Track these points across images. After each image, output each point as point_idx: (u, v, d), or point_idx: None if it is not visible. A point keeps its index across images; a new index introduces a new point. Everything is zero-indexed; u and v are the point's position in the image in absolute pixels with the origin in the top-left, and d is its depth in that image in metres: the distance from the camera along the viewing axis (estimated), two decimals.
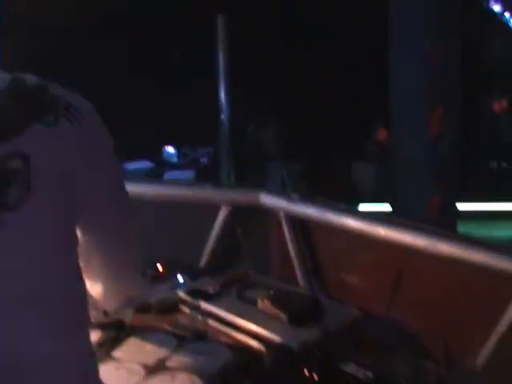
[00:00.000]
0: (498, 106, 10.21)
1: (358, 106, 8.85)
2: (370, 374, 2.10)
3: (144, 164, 9.73)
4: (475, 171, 9.72)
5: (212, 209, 3.27)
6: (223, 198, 3.28)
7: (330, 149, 8.68)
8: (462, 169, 7.15)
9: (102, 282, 1.75)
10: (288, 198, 3.04)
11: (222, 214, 3.24)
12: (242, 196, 3.26)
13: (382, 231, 2.62)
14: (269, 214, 3.15)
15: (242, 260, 3.19)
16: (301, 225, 3.05)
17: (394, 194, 6.97)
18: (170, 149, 10.46)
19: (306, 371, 2.10)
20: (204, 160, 10.19)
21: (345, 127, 8.61)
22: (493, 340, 2.33)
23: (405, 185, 6.78)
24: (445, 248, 2.42)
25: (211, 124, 8.10)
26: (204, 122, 8.32)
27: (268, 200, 3.10)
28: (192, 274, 3.10)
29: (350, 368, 2.14)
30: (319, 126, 8.90)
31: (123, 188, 1.68)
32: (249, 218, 3.22)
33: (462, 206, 7.43)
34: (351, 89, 8.90)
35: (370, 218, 2.72)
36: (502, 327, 2.31)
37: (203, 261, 3.29)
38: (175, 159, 10.39)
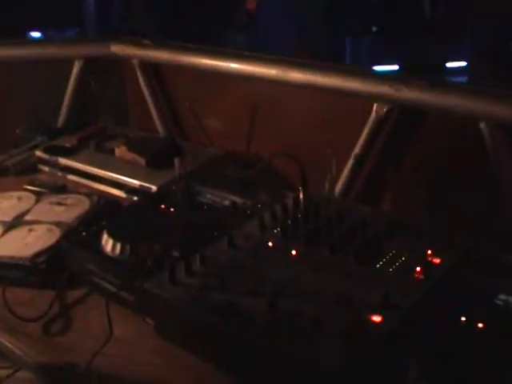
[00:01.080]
0: None
1: None
2: (227, 203, 2.11)
3: None
4: None
5: (65, 64, 3.13)
6: (74, 52, 3.14)
7: (200, 21, 8.41)
8: None
9: None
10: (140, 44, 2.93)
11: (76, 69, 3.12)
12: (93, 48, 3.13)
13: (234, 66, 2.58)
14: (122, 63, 3.05)
15: (100, 114, 3.10)
16: (155, 71, 2.98)
17: None
18: (36, 34, 9.90)
19: (162, 206, 2.07)
20: None
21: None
22: (350, 165, 2.38)
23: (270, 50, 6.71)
24: (296, 75, 2.41)
25: (75, 4, 7.78)
26: (68, 1, 7.94)
27: (120, 49, 2.99)
28: (51, 133, 3.00)
29: (207, 199, 2.14)
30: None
31: None
32: (103, 71, 3.12)
33: None
34: None
35: (221, 54, 2.67)
36: (358, 149, 2.35)
37: (61, 119, 3.18)
38: None
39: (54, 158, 2.74)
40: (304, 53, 6.92)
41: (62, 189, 2.52)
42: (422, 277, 1.67)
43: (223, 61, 2.64)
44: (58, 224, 2.15)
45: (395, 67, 6.69)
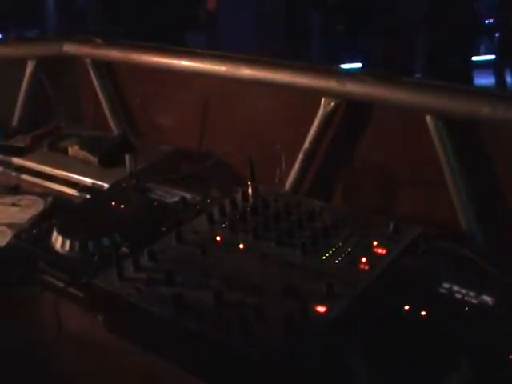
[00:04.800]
0: None
1: None
2: (176, 199, 2.12)
3: None
4: None
5: (18, 64, 3.12)
6: (27, 52, 3.13)
7: (161, 21, 8.36)
8: None
9: None
10: (92, 43, 2.93)
11: (29, 69, 3.10)
12: (46, 48, 3.12)
13: (185, 63, 2.59)
14: (75, 62, 3.04)
15: (54, 114, 3.10)
16: (109, 69, 2.98)
17: None
18: None
19: (113, 203, 2.08)
20: None
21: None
22: (299, 159, 2.40)
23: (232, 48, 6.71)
24: (247, 72, 2.43)
25: (36, 4, 7.73)
26: (28, 2, 7.88)
27: (72, 48, 2.99)
28: (5, 133, 2.98)
29: (157, 195, 2.15)
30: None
31: None
32: (56, 70, 3.11)
33: None
34: None
35: (173, 52, 2.68)
36: (307, 144, 2.38)
37: (15, 119, 3.16)
38: None
39: (7, 158, 2.72)
40: (267, 52, 6.95)
41: (16, 189, 2.51)
42: (367, 267, 1.70)
43: (174, 58, 2.65)
44: (10, 226, 2.14)
45: (358, 65, 6.76)
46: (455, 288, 1.66)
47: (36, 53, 3.10)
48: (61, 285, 1.77)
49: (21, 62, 3.12)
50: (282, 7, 7.29)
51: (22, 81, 3.12)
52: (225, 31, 7.20)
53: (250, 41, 6.95)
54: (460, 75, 5.66)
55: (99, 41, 2.94)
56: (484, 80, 6.66)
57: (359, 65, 6.73)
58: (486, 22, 6.87)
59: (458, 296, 1.63)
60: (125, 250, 1.78)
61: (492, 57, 6.89)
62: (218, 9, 7.84)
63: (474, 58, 6.32)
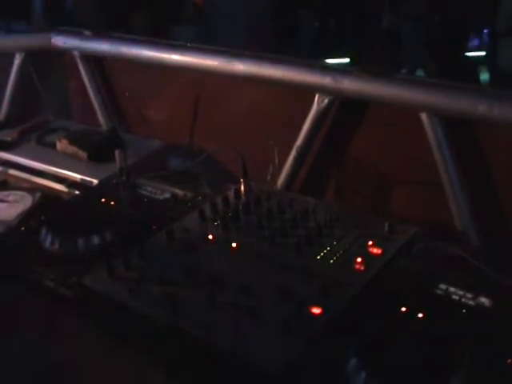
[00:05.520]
0: None
1: None
2: (167, 195, 2.08)
3: None
4: None
5: (5, 57, 3.07)
6: (15, 45, 3.07)
7: (148, 15, 8.28)
8: None
9: None
10: (81, 35, 2.88)
11: (17, 62, 3.05)
12: (34, 40, 3.07)
13: (176, 57, 2.55)
14: (64, 55, 2.99)
15: (42, 108, 3.05)
16: (97, 63, 2.93)
17: None
18: None
19: (103, 200, 2.04)
20: None
21: None
22: (292, 156, 2.37)
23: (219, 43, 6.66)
24: (238, 66, 2.39)
25: None
26: None
27: (60, 41, 2.94)
28: None
29: (147, 191, 2.12)
30: None
31: None
32: (44, 63, 3.06)
33: None
34: None
35: (164, 45, 2.64)
36: (300, 141, 2.34)
37: (2, 113, 3.11)
38: None
39: None
40: (253, 46, 6.91)
41: (3, 184, 2.46)
42: (362, 268, 1.67)
43: (165, 52, 2.60)
44: None
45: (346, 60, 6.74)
46: (452, 289, 1.63)
47: (24, 45, 3.05)
48: (50, 284, 1.73)
49: (8, 55, 3.05)
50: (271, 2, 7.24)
51: (9, 74, 3.05)
52: (211, 25, 7.15)
53: (237, 35, 6.90)
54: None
55: (88, 33, 2.89)
56: None
57: (346, 60, 6.71)
58: None
59: (455, 297, 1.61)
60: (115, 248, 1.74)
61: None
62: (204, 3, 7.79)
63: None
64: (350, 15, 6.88)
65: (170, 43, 2.65)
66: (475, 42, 7.17)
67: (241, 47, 6.66)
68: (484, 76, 6.33)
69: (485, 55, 6.67)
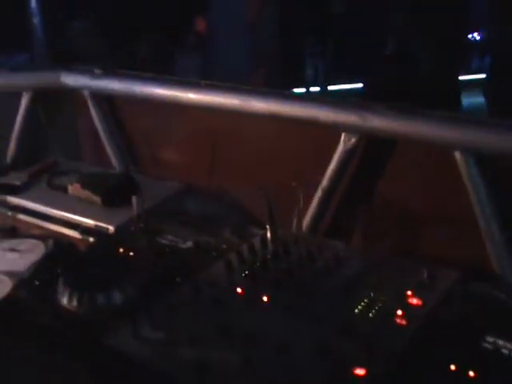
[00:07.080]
0: None
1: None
2: (189, 244, 1.98)
3: None
4: None
5: (13, 96, 2.97)
6: (23, 83, 2.98)
7: (151, 43, 8.27)
8: None
9: None
10: (91, 74, 2.78)
11: (24, 101, 2.96)
12: (42, 78, 2.97)
13: (192, 96, 2.45)
14: (73, 94, 2.90)
15: (51, 149, 2.95)
16: (108, 102, 2.83)
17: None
18: None
19: (121, 250, 1.94)
20: None
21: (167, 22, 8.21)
22: (317, 197, 2.26)
23: (225, 73, 6.62)
24: (258, 105, 2.29)
25: (24, 30, 7.67)
26: (16, 28, 7.80)
27: (70, 79, 2.84)
28: None
29: (168, 239, 2.01)
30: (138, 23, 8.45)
31: None
32: (53, 102, 2.97)
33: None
34: None
35: (178, 84, 2.54)
36: (325, 181, 2.24)
37: (10, 155, 3.01)
38: None
39: (2, 197, 2.57)
40: (261, 70, 6.86)
41: (12, 230, 2.35)
42: (404, 321, 1.56)
43: (180, 91, 2.50)
44: (10, 274, 1.98)
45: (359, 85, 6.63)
46: (500, 342, 1.53)
47: (32, 84, 2.95)
48: (69, 344, 1.61)
49: (15, 94, 2.96)
50: (276, 31, 7.22)
51: (16, 113, 2.96)
52: (214, 53, 7.12)
53: (240, 64, 6.86)
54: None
55: (98, 71, 2.80)
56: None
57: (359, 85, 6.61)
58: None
59: (505, 351, 1.50)
60: (138, 304, 1.63)
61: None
62: (207, 32, 7.77)
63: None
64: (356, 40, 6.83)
65: (185, 81, 2.54)
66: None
67: (244, 75, 6.63)
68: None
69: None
